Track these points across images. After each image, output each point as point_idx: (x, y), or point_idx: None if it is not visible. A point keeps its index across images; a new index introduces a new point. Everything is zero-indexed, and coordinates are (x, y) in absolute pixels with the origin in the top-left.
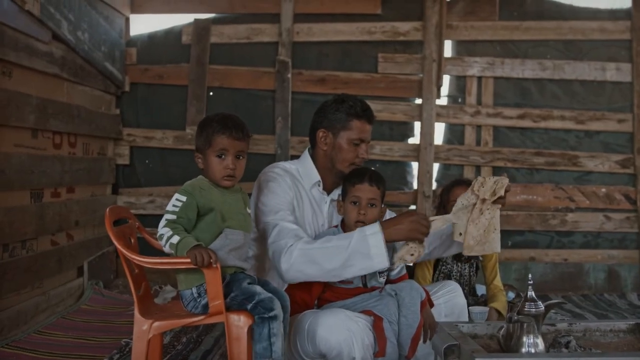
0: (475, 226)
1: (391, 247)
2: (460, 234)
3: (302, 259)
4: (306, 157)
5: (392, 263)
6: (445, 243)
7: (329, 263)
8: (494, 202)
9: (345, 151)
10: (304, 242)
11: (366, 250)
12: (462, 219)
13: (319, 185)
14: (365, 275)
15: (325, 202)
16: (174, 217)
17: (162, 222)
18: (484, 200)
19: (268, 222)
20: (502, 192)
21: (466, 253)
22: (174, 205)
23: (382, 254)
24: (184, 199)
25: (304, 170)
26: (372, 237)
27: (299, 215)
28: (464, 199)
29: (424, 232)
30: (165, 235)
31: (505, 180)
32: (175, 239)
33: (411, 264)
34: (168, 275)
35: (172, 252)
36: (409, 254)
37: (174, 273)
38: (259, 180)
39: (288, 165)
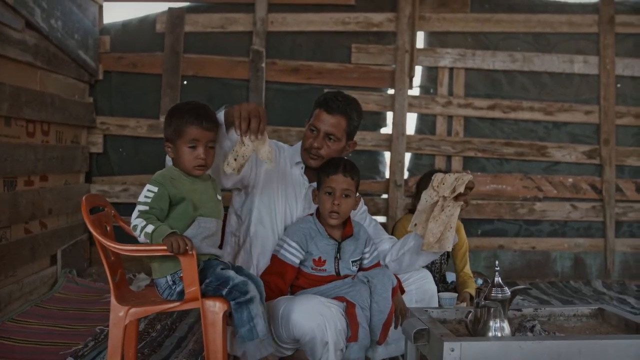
0: (436, 223)
1: None
2: (416, 224)
3: None
4: (300, 143)
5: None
6: (413, 249)
7: None
8: (456, 199)
9: (305, 137)
10: None
11: None
12: (422, 215)
13: (301, 168)
14: (338, 264)
15: (305, 186)
16: (146, 207)
17: (135, 213)
18: (445, 197)
19: None
20: (461, 189)
21: (425, 249)
22: (145, 197)
23: None
24: (155, 189)
25: (292, 150)
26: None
27: (266, 179)
28: (427, 195)
29: (237, 114)
30: (139, 225)
31: (466, 177)
32: (150, 228)
33: (233, 170)
34: (141, 263)
35: (147, 241)
36: (231, 157)
37: (147, 261)
38: None
39: (281, 143)
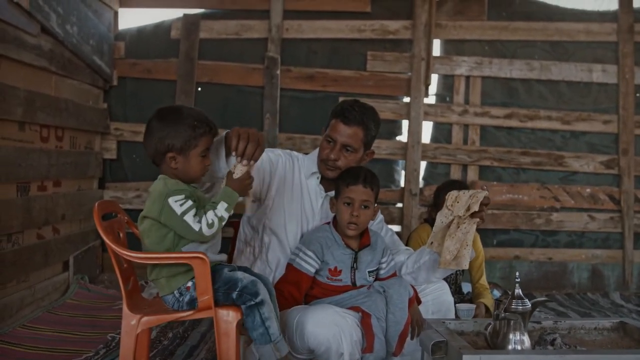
0: (452, 240)
1: None
2: (432, 242)
3: None
4: (316, 152)
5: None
6: (428, 264)
7: None
8: (472, 216)
9: (321, 148)
10: None
11: None
12: (438, 234)
13: (317, 178)
14: (354, 274)
15: (321, 196)
16: (193, 209)
17: (191, 219)
18: (460, 216)
19: None
20: (476, 207)
21: (442, 267)
22: (181, 205)
23: None
24: (182, 196)
25: (307, 159)
26: None
27: (278, 190)
28: (442, 216)
29: (235, 134)
30: (210, 216)
31: (481, 194)
32: (223, 205)
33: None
34: None
35: (230, 213)
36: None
37: (153, 280)
38: None
39: (295, 153)
